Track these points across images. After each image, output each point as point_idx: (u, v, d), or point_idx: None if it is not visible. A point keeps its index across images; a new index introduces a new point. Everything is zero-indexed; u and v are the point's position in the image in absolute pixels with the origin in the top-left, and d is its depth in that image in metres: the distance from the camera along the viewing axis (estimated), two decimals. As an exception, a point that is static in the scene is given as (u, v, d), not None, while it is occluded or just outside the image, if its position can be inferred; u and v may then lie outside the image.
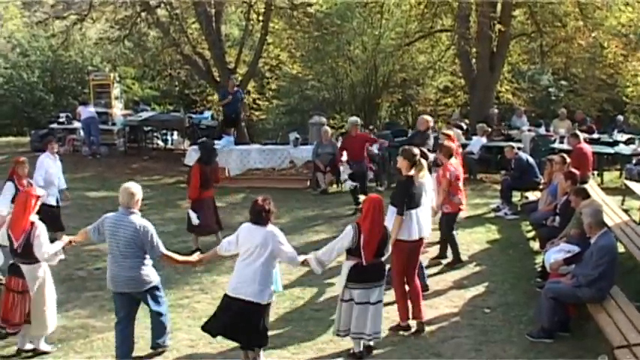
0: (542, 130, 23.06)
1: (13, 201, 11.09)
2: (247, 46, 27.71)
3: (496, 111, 24.16)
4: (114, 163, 23.82)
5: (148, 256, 9.06)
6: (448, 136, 14.58)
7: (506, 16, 23.23)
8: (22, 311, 9.28)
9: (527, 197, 17.10)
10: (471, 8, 23.47)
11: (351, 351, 9.43)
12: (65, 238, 9.79)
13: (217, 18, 25.03)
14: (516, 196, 17.57)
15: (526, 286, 11.88)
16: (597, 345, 9.09)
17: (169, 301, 11.30)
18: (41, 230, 9.24)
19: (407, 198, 10.11)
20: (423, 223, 10.37)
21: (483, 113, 23.55)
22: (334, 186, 19.76)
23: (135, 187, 9.11)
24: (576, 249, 10.32)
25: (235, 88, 22.91)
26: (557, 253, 10.59)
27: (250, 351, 8.95)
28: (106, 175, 21.80)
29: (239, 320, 8.61)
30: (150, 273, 9.10)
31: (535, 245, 13.92)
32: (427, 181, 11.10)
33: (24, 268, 9.22)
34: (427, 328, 10.27)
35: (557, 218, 12.46)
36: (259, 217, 8.79)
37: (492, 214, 16.87)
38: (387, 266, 9.64)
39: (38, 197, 9.48)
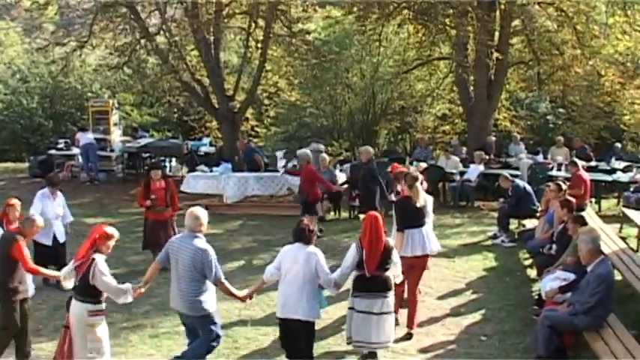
0: (539, 158, 23.13)
1: None
2: (246, 74, 27.76)
3: (493, 139, 24.18)
4: (112, 189, 23.87)
5: (207, 282, 9.16)
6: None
7: (504, 44, 23.28)
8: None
9: (524, 225, 17.10)
10: (468, 36, 23.52)
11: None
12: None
13: (216, 45, 25.11)
14: (514, 224, 17.51)
15: (523, 313, 11.84)
16: (594, 373, 9.06)
17: (167, 328, 11.34)
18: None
19: (404, 217, 11.10)
20: (427, 240, 11.16)
21: (481, 141, 23.57)
22: (332, 213, 19.75)
23: (200, 212, 9.36)
24: (572, 277, 10.33)
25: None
26: (552, 281, 10.59)
27: None
28: (104, 202, 21.84)
29: (292, 338, 9.24)
30: (208, 300, 9.20)
31: (532, 273, 13.88)
32: (429, 202, 11.93)
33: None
34: (423, 356, 10.31)
35: (554, 246, 12.46)
36: (303, 236, 9.28)
37: (490, 242, 16.85)
38: None
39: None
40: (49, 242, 13.43)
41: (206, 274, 9.07)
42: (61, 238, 13.83)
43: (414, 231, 11.02)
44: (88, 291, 8.74)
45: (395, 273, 9.94)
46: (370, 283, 9.64)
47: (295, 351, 9.32)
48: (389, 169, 16.61)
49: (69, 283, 9.15)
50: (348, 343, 9.98)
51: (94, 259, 8.71)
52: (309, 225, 9.38)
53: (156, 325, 11.57)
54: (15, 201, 11.81)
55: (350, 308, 9.84)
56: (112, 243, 9.00)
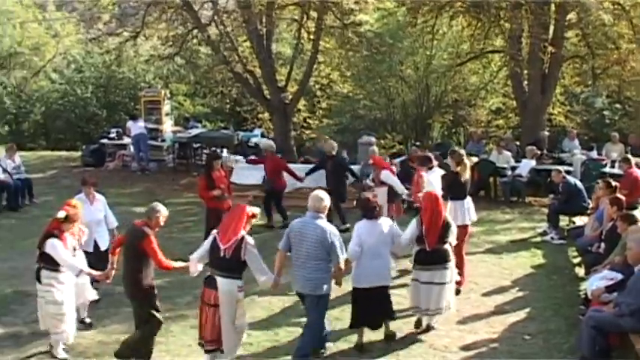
0: (594, 154, 22.69)
1: None
2: (298, 65, 27.71)
3: (547, 134, 23.82)
4: (162, 178, 23.95)
5: (330, 263, 9.58)
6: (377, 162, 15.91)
7: (559, 38, 22.88)
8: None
9: (574, 222, 16.83)
10: (522, 29, 23.20)
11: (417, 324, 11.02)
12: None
13: (268, 36, 25.06)
14: (564, 221, 17.24)
15: (569, 313, 11.60)
16: (639, 376, 8.83)
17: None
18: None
19: (451, 190, 12.41)
20: (467, 211, 12.72)
21: (534, 136, 23.24)
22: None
23: (323, 194, 9.80)
24: (619, 276, 10.07)
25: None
26: (599, 280, 10.36)
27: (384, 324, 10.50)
28: (155, 191, 21.86)
29: (378, 304, 10.21)
30: (328, 280, 9.65)
31: (581, 271, 13.58)
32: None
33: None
34: (465, 354, 10.19)
35: (603, 244, 12.23)
36: (373, 213, 10.25)
37: (539, 239, 16.58)
38: None
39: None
40: (89, 249, 12.07)
41: (331, 253, 9.52)
42: (103, 246, 12.47)
43: (458, 203, 12.49)
44: (238, 267, 9.20)
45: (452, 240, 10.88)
46: (431, 256, 10.53)
47: (379, 315, 10.33)
48: (370, 161, 16.52)
49: (199, 267, 9.56)
50: (414, 313, 10.91)
51: (243, 237, 9.16)
52: (375, 202, 10.40)
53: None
54: (75, 202, 11.15)
55: (414, 280, 10.77)
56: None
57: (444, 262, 10.59)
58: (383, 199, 15.23)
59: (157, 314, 9.64)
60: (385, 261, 10.31)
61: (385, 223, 10.37)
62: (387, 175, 15.33)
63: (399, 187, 15.16)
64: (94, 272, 10.18)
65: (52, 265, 9.92)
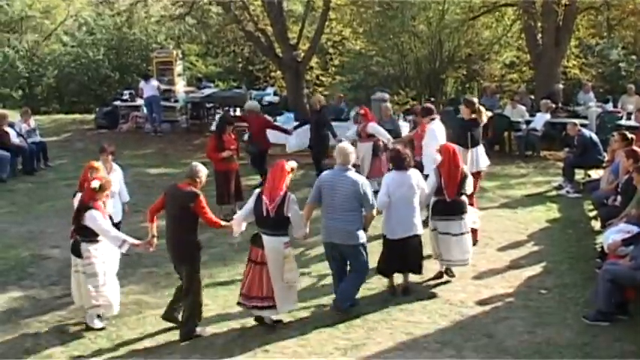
0: (609, 107, 22.50)
1: None
2: (309, 22, 27.48)
3: (561, 87, 23.62)
4: (176, 139, 23.94)
5: (363, 211, 9.83)
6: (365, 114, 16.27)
7: (573, -11, 22.65)
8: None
9: (589, 175, 16.74)
10: (535, -19, 22.95)
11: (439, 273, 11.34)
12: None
13: (279, -7, 24.89)
14: (580, 174, 17.15)
15: (584, 266, 11.58)
16: (656, 329, 8.85)
17: (224, 278, 11.41)
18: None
19: (473, 137, 12.85)
20: (480, 157, 13.30)
21: (549, 89, 23.06)
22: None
23: (350, 147, 10.07)
24: (636, 229, 10.05)
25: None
26: (615, 233, 10.34)
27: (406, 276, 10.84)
28: (168, 152, 21.91)
29: (408, 254, 10.49)
30: (361, 230, 9.91)
31: (596, 225, 13.55)
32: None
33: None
34: (481, 309, 10.19)
35: (619, 197, 12.17)
36: (403, 163, 10.52)
37: (554, 193, 16.52)
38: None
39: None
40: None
41: (364, 203, 9.75)
42: (116, 217, 12.07)
43: (474, 150, 13.08)
44: (283, 224, 9.40)
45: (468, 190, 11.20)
46: (449, 207, 10.86)
47: (407, 264, 10.63)
48: (361, 111, 16.58)
49: (242, 226, 9.79)
50: (436, 258, 11.27)
51: (286, 193, 9.34)
52: (406, 152, 10.68)
53: (214, 276, 11.62)
54: (98, 164, 11.02)
55: (432, 230, 11.07)
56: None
57: (460, 214, 10.92)
58: (368, 153, 15.86)
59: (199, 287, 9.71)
60: (415, 211, 10.51)
61: (414, 174, 10.59)
62: (373, 127, 15.82)
63: (385, 137, 15.51)
64: (137, 241, 9.80)
65: (91, 236, 9.62)
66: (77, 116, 29.92)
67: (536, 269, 11.65)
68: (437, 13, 28.82)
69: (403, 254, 10.49)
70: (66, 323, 10.09)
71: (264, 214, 9.29)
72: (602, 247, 11.20)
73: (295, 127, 18.55)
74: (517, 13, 25.70)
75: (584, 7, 24.70)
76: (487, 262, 11.98)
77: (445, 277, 11.27)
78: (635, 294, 9.62)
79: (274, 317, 9.69)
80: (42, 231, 14.32)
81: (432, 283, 11.13)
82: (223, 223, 9.86)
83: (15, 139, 19.04)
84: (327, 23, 25.65)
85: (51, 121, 28.42)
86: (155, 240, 9.74)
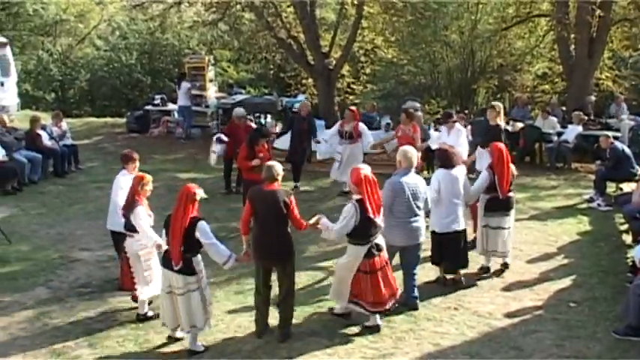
0: (642, 119, 22.34)
1: None
2: (342, 30, 27.51)
3: (593, 98, 23.48)
4: (206, 145, 23.94)
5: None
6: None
7: (607, 1, 22.46)
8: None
9: (621, 189, 16.62)
10: (569, -7, 22.83)
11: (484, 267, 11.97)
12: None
13: (312, 1, 24.89)
14: (611, 187, 17.02)
15: (615, 280, 11.48)
16: (687, 345, 8.74)
17: (252, 284, 11.38)
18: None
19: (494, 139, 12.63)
20: None
21: (581, 101, 22.92)
22: (424, 172, 19.39)
23: (410, 149, 10.44)
24: (668, 244, 9.94)
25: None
26: (647, 247, 10.23)
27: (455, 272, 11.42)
28: (198, 157, 21.95)
29: (453, 249, 11.12)
30: None
31: (628, 239, 13.42)
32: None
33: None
34: (509, 321, 10.11)
35: (651, 211, 12.06)
36: (452, 162, 11.07)
37: (585, 205, 16.37)
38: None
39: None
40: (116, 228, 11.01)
41: (425, 203, 10.40)
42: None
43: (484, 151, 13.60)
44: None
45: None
46: (503, 203, 11.53)
47: (454, 257, 11.24)
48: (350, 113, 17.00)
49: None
50: (482, 254, 11.90)
51: None
52: (451, 151, 11.33)
53: (242, 282, 11.61)
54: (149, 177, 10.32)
55: (484, 226, 11.67)
56: None
57: (511, 209, 11.77)
58: (359, 153, 16.45)
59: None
60: (458, 208, 11.08)
61: (461, 172, 11.22)
62: (363, 127, 16.53)
63: (368, 140, 16.29)
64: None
65: (199, 248, 9.21)
66: (109, 120, 30.14)
67: (566, 282, 11.56)
68: (469, 22, 28.81)
69: (451, 248, 11.10)
70: (94, 326, 10.12)
71: (377, 224, 9.48)
72: (633, 262, 11.08)
73: (279, 135, 18.48)
74: (550, 24, 25.57)
75: (618, 19, 24.51)
76: (516, 274, 11.90)
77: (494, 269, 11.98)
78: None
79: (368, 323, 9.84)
80: (71, 233, 14.40)
81: (460, 293, 11.08)
82: (308, 223, 9.71)
83: (47, 141, 19.19)
84: (359, 31, 25.67)
85: (83, 124, 28.57)
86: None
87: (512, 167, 11.78)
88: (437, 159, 11.52)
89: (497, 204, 11.50)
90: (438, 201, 10.90)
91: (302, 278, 11.79)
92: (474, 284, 11.41)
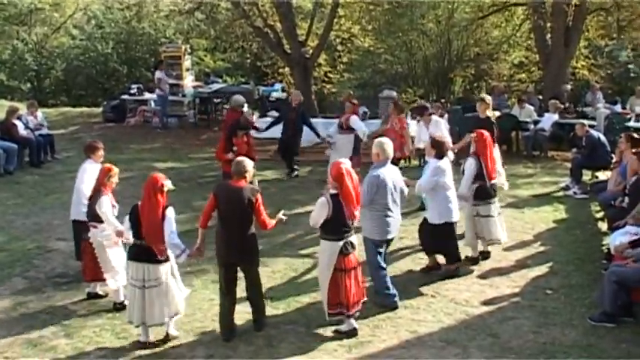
0: (618, 108, 22.45)
1: None
2: (318, 19, 27.46)
3: (569, 87, 23.56)
4: (183, 134, 23.98)
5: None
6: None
7: (583, -10, 22.57)
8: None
9: (597, 176, 16.70)
10: (545, -19, 22.89)
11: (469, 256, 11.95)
12: None
13: (288, -10, 24.88)
14: (587, 175, 17.09)
15: (591, 268, 11.55)
16: (662, 331, 8.82)
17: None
18: None
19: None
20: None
21: (557, 89, 23.01)
22: (402, 161, 19.36)
23: (387, 141, 10.14)
24: (643, 231, 10.01)
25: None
26: (622, 235, 10.30)
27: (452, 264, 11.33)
28: (175, 147, 21.90)
29: (447, 239, 11.16)
30: None
31: (603, 226, 13.50)
32: None
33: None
34: (486, 308, 10.15)
35: (626, 199, 12.11)
36: (444, 151, 11.18)
37: (561, 193, 16.45)
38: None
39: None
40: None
41: (399, 196, 10.23)
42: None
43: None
44: None
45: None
46: (489, 190, 11.71)
47: (452, 246, 11.24)
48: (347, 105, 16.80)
49: None
50: (467, 245, 11.90)
51: None
52: (445, 141, 11.58)
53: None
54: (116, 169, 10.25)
55: (474, 215, 11.72)
56: None
57: (496, 196, 12.00)
58: (350, 144, 15.99)
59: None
60: (454, 197, 11.16)
61: (449, 162, 11.35)
62: (354, 120, 16.07)
63: (362, 131, 15.91)
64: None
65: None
66: (85, 109, 29.99)
67: (543, 269, 11.62)
68: (446, 11, 28.83)
69: (443, 238, 11.10)
70: (71, 316, 10.08)
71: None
72: (608, 249, 11.16)
73: (269, 126, 18.27)
74: (526, 13, 25.67)
75: (594, 8, 24.62)
76: (493, 261, 11.95)
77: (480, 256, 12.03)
78: (641, 296, 9.60)
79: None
80: (48, 223, 14.32)
81: (437, 281, 11.10)
82: (273, 222, 9.45)
83: (22, 131, 19.06)
84: (335, 20, 25.68)
85: (58, 113, 28.42)
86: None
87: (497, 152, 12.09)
88: (432, 149, 11.11)
89: (485, 192, 11.64)
90: (432, 191, 10.94)
91: (279, 266, 11.83)
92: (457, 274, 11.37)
